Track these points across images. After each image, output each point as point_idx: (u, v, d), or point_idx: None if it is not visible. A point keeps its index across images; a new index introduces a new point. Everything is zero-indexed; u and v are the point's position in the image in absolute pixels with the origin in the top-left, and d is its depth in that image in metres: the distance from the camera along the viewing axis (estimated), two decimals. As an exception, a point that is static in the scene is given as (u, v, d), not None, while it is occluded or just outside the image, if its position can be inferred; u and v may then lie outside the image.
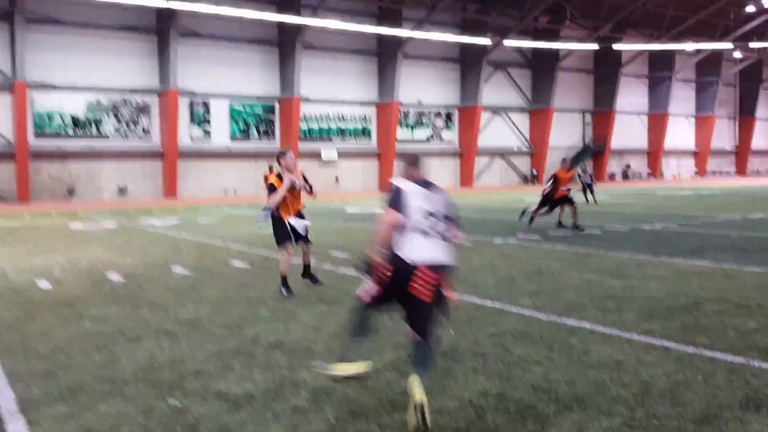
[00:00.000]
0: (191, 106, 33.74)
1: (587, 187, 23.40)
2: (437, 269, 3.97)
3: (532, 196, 30.27)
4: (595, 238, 12.52)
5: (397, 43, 38.64)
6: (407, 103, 40.96)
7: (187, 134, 33.55)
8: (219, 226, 16.34)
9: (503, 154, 46.67)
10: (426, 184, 4.11)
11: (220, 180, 34.51)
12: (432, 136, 43.21)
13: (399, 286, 3.93)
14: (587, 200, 22.77)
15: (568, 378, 4.32)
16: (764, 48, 53.56)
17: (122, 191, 31.98)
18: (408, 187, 4.04)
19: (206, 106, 34.24)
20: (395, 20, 37.87)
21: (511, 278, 8.19)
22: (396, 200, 3.97)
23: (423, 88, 41.87)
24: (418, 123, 42.54)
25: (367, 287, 4.11)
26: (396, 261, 3.94)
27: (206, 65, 33.56)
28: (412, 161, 4.23)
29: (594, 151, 50.22)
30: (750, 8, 46.53)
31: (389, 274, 3.95)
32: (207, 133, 34.37)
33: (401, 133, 40.89)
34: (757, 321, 5.73)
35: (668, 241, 11.89)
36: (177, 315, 6.33)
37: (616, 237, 12.69)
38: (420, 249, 3.95)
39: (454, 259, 4.17)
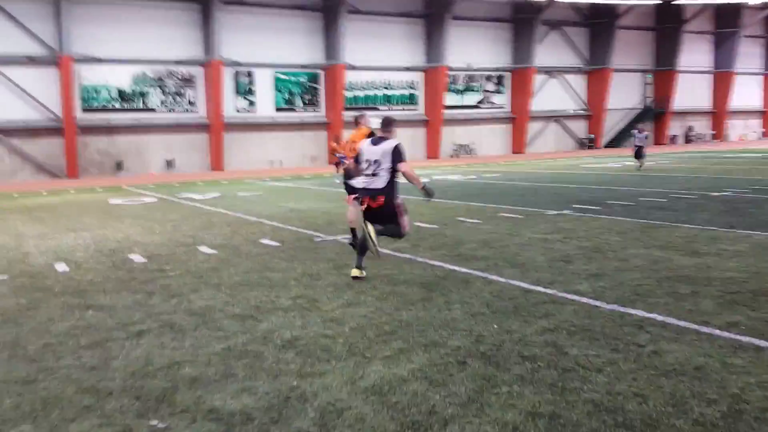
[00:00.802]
0: (236, 76, 33.29)
1: (638, 149, 21.95)
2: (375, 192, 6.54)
3: (589, 160, 29.16)
4: (660, 207, 11.40)
5: (445, 3, 37.13)
6: (456, 67, 39.47)
7: (232, 105, 33.17)
8: (258, 201, 15.84)
9: (558, 117, 44.71)
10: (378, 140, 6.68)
11: (266, 151, 34.12)
12: (482, 100, 41.66)
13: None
14: (639, 163, 21.52)
15: (637, 390, 3.49)
16: None
17: (170, 164, 31.98)
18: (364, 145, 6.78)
19: (250, 76, 33.74)
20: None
21: (566, 257, 7.28)
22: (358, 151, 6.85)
23: (473, 50, 40.23)
24: (468, 88, 41.02)
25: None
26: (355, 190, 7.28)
27: (250, 34, 32.94)
28: (385, 123, 6.79)
29: (655, 113, 47.69)
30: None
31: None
32: (252, 103, 33.93)
33: (450, 98, 39.54)
34: None
35: (742, 210, 10.69)
36: (189, 304, 5.72)
37: (683, 206, 11.51)
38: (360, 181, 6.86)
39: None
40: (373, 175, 6.49)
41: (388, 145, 6.50)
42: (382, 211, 6.49)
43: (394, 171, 6.49)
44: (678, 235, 8.49)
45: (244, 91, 33.75)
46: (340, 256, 7.80)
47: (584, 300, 5.39)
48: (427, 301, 5.51)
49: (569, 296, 5.53)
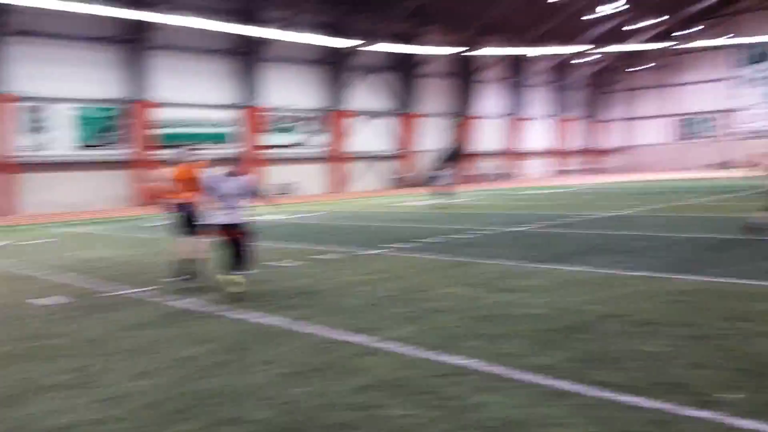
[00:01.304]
0: (29, 111, 29.88)
1: (442, 187, 22.69)
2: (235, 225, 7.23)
3: (404, 199, 30.26)
4: (469, 244, 11.81)
5: (261, 44, 36.93)
6: (274, 107, 39.27)
7: (24, 143, 29.66)
8: (50, 249, 13.96)
9: (376, 158, 46.22)
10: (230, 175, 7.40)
11: (67, 193, 30.82)
12: (300, 141, 41.73)
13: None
14: (443, 201, 22.27)
15: (459, 456, 3.20)
16: (614, 52, 57.51)
17: (-57, 210, 27.63)
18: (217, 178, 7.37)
19: (45, 111, 30.50)
20: (257, 20, 36.09)
21: (383, 300, 7.06)
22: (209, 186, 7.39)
23: (291, 91, 40.36)
24: (286, 128, 40.91)
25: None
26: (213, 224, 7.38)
27: (44, 66, 29.89)
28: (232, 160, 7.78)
29: (460, 154, 51.24)
30: (595, 15, 49.59)
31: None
32: (48, 141, 30.62)
33: (268, 138, 39.09)
34: (669, 343, 4.98)
35: (542, 243, 11.40)
36: None
37: (490, 242, 12.04)
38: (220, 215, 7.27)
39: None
40: (231, 208, 7.20)
41: (243, 180, 7.41)
42: (240, 242, 7.24)
43: (248, 204, 7.39)
44: (488, 271, 8.71)
45: (39, 128, 30.38)
46: (138, 313, 6.87)
47: (402, 349, 5.12)
48: (230, 365, 4.89)
49: (387, 345, 5.23)
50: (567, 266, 8.80)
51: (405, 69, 46.79)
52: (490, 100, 54.65)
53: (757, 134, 59.86)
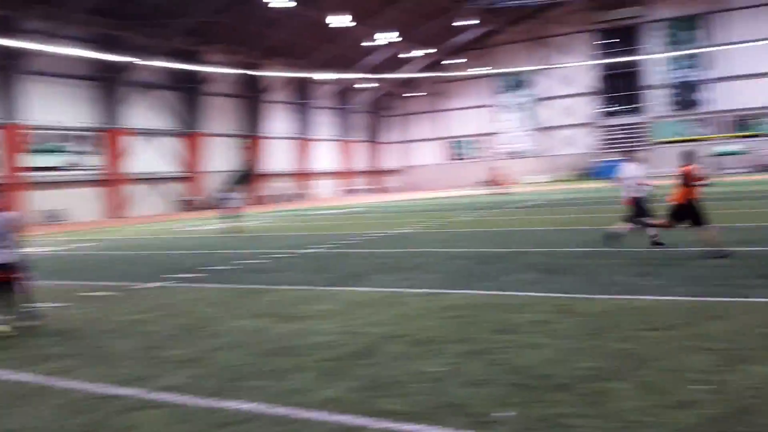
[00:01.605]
0: None
1: (229, 211, 21.67)
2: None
3: (191, 223, 28.75)
4: (257, 270, 11.47)
5: (21, 56, 32.99)
6: (38, 125, 35.15)
7: None
8: None
9: (159, 180, 43.55)
10: None
11: None
12: (71, 162, 37.83)
13: None
14: (233, 225, 21.36)
15: None
16: (392, 79, 61.01)
17: None
18: None
19: None
20: (16, 30, 32.07)
21: (159, 341, 6.45)
22: None
23: (58, 107, 36.52)
24: (53, 148, 36.80)
25: None
26: None
27: None
28: None
29: (250, 175, 50.47)
30: (373, 43, 52.32)
31: None
32: None
33: (31, 159, 34.81)
34: (449, 361, 5.14)
35: (329, 265, 11.47)
36: None
37: (279, 266, 11.82)
38: None
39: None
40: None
41: (9, 216, 6.83)
42: (10, 284, 6.77)
43: (15, 240, 6.83)
44: (276, 298, 8.48)
45: None
46: None
47: (177, 399, 4.65)
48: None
49: (160, 396, 4.72)
50: (355, 287, 8.90)
51: (189, 88, 45.04)
52: (279, 121, 54.86)
53: (515, 155, 67.59)
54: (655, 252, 10.50)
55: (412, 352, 5.47)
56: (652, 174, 17.53)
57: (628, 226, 11.30)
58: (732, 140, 55.16)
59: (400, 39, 54.24)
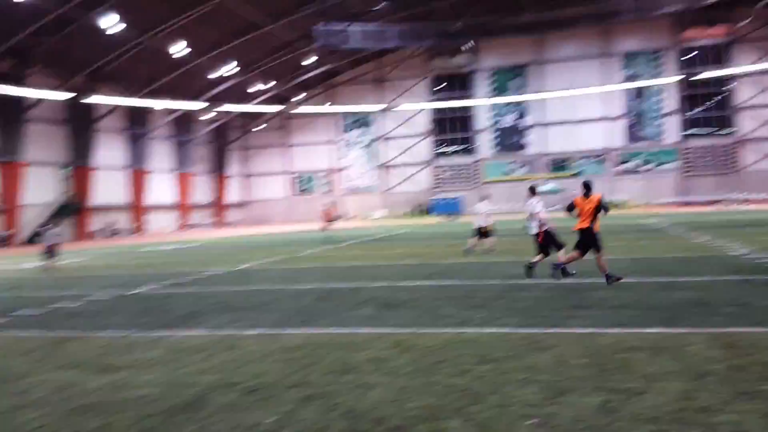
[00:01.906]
0: None
1: (49, 247, 19.62)
2: None
3: (2, 261, 25.59)
4: (74, 314, 10.35)
5: None
6: None
7: None
8: None
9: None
10: None
11: None
12: None
13: None
14: (53, 263, 19.31)
15: None
16: (230, 111, 59.80)
17: None
18: None
19: None
20: None
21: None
22: None
23: None
24: None
25: None
26: None
27: None
28: None
29: (75, 208, 46.47)
30: (216, 74, 51.18)
31: None
32: None
33: None
34: (280, 410, 4.83)
35: (158, 307, 10.65)
36: None
37: (100, 309, 10.77)
38: None
39: None
40: None
41: None
42: None
43: None
44: (95, 346, 7.63)
45: None
46: None
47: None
48: None
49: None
50: (186, 330, 8.29)
51: (6, 112, 40.76)
52: (112, 151, 51.35)
53: (358, 191, 69.01)
54: (488, 284, 10.97)
55: (245, 402, 5.11)
56: (494, 210, 18.71)
57: (539, 256, 11.89)
58: (550, 180, 60.56)
59: (246, 71, 53.74)
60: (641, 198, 58.48)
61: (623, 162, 61.60)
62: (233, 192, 69.91)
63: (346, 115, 68.39)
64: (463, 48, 62.88)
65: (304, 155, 70.19)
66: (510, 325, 7.37)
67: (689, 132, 60.49)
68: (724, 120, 59.81)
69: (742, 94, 58.63)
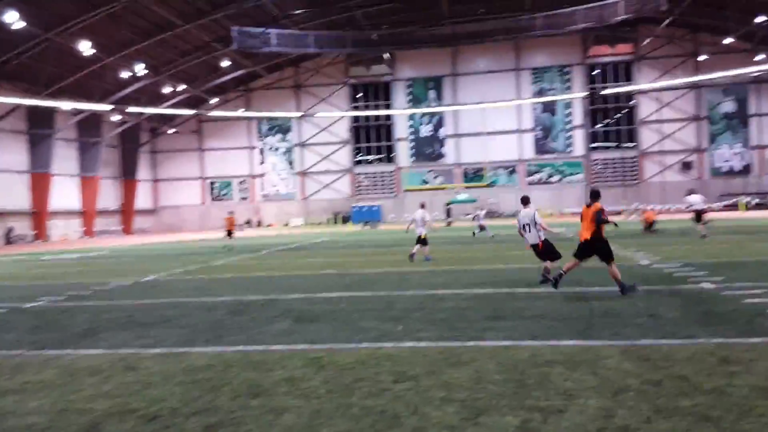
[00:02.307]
0: None
1: None
2: None
3: None
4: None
5: None
6: None
7: None
8: None
9: None
10: None
11: None
12: None
13: None
14: None
15: None
16: (140, 113, 57.39)
17: None
18: None
19: None
20: None
21: None
22: None
23: None
24: None
25: None
26: None
27: None
28: None
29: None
30: (126, 74, 48.98)
31: None
32: None
33: None
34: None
35: (55, 322, 9.85)
36: None
37: (-11, 326, 9.86)
38: None
39: None
40: None
41: None
42: None
43: None
44: (-26, 370, 6.89)
45: None
46: None
47: None
48: None
49: None
50: (83, 350, 7.64)
51: None
52: (9, 154, 48.09)
53: (275, 197, 67.96)
54: (407, 294, 10.84)
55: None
56: (431, 218, 18.73)
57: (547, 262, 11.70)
58: (465, 190, 61.85)
59: (159, 72, 51.85)
60: (550, 207, 60.73)
61: (533, 173, 63.80)
62: (143, 198, 67.09)
63: (264, 120, 67.28)
64: (385, 56, 63.36)
65: (220, 160, 68.41)
66: (428, 339, 7.24)
67: (595, 145, 63.44)
68: (627, 134, 63.14)
69: (644, 109, 62.10)
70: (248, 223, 66.23)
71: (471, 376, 5.66)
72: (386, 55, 63.38)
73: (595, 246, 9.87)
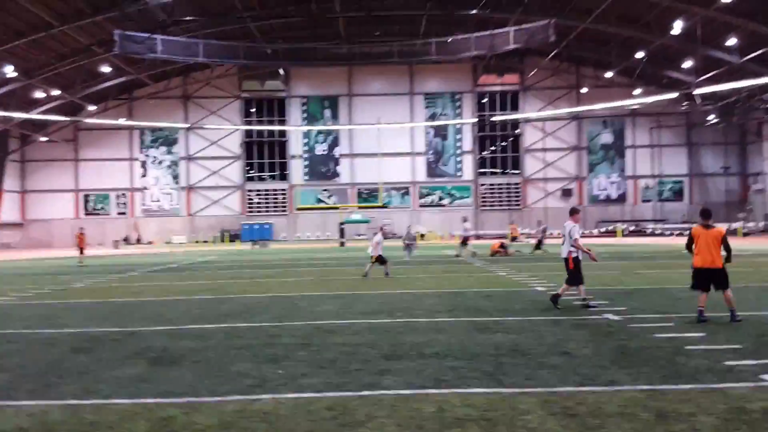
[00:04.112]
0: None
1: None
2: None
3: None
4: None
5: None
6: None
7: None
8: None
9: None
10: None
11: None
12: None
13: None
14: None
15: None
16: (9, 118, 52.24)
17: None
18: None
19: None
20: None
21: None
22: None
23: None
24: None
25: None
26: None
27: None
28: None
29: None
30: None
31: None
32: None
33: None
34: None
35: None
36: None
37: None
38: None
39: None
40: None
41: None
42: None
43: None
44: None
45: None
46: None
47: None
48: None
49: None
50: None
51: None
52: None
53: (158, 213, 64.08)
54: (293, 326, 9.51)
55: None
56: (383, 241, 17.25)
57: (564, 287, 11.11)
58: (359, 210, 61.16)
59: (31, 76, 47.44)
60: (440, 230, 61.20)
61: (425, 195, 64.27)
62: (10, 210, 60.88)
63: (147, 131, 63.41)
64: (280, 72, 61.76)
65: (97, 172, 63.52)
66: (314, 388, 5.97)
67: (483, 170, 64.94)
68: (513, 161, 65.15)
69: (528, 138, 64.40)
70: (126, 240, 61.84)
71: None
72: (281, 71, 61.83)
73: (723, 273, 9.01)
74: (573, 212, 11.38)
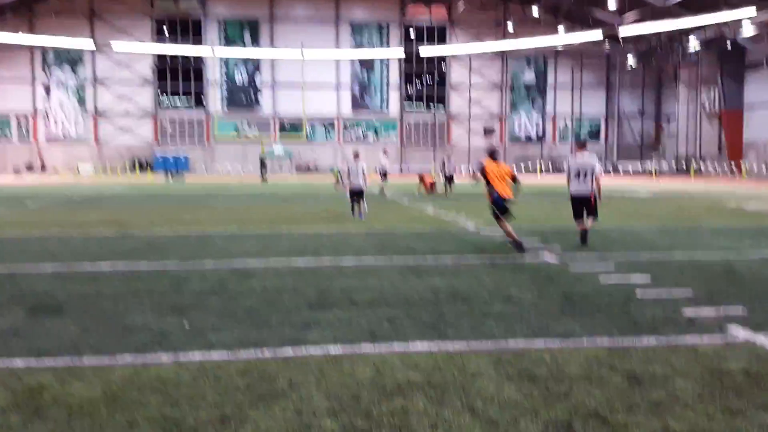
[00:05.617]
0: None
1: None
2: None
3: None
4: None
5: None
6: None
7: None
8: None
9: None
10: None
11: None
12: None
13: None
14: None
15: None
16: None
17: None
18: None
19: None
20: None
21: None
22: None
23: None
24: None
25: None
26: None
27: None
28: None
29: None
30: None
31: None
32: None
33: None
34: None
35: None
36: None
37: None
38: None
39: None
40: None
41: None
42: None
43: None
44: None
45: None
46: None
47: None
48: None
49: None
50: None
51: None
52: None
53: (63, 139, 59.72)
54: (203, 269, 8.42)
55: None
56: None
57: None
58: (280, 143, 59.10)
59: None
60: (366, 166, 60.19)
61: (349, 128, 62.76)
62: None
63: (49, 50, 58.06)
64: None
65: (-7, 93, 58.08)
66: (225, 345, 4.99)
67: (409, 108, 63.83)
68: (438, 98, 64.31)
69: (454, 75, 63.56)
70: (29, 168, 57.46)
71: (289, 422, 3.59)
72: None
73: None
74: (583, 145, 11.04)
